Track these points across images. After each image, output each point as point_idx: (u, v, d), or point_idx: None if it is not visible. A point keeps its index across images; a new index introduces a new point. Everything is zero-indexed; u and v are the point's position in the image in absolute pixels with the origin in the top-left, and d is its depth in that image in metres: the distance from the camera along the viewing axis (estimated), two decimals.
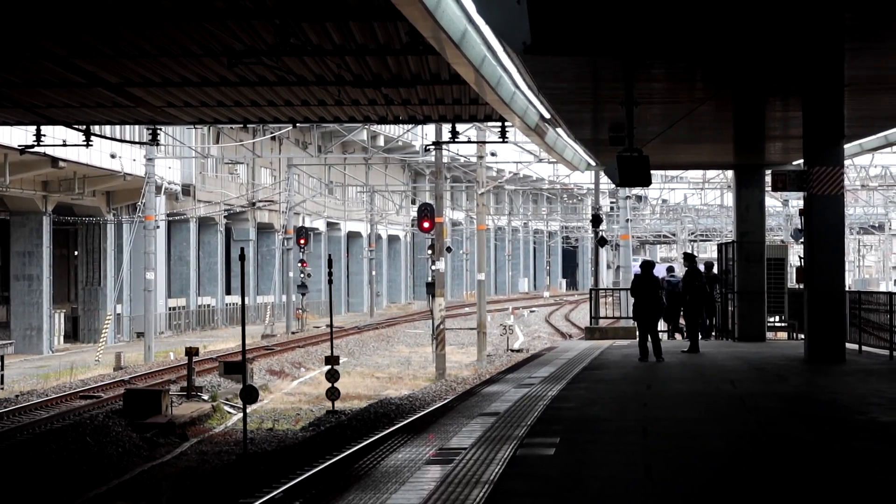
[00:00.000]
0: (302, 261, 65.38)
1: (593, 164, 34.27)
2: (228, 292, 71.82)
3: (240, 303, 28.76)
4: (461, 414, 15.83)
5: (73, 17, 19.09)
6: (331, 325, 32.00)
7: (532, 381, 20.11)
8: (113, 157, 50.29)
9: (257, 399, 25.38)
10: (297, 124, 32.48)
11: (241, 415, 26.74)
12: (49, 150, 40.17)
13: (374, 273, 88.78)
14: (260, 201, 73.69)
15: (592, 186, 61.24)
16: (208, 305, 68.04)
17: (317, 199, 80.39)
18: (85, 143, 31.93)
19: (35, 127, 31.84)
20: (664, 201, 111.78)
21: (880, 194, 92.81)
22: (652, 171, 21.11)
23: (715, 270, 32.44)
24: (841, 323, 21.93)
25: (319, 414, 29.94)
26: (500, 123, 31.21)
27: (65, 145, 35.86)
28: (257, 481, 19.13)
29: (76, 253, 60.07)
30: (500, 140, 32.65)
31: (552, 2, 15.69)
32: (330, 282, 30.82)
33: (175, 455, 24.13)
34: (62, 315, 55.93)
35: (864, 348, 24.99)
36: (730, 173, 55.21)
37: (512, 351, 48.18)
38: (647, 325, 24.18)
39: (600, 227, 53.21)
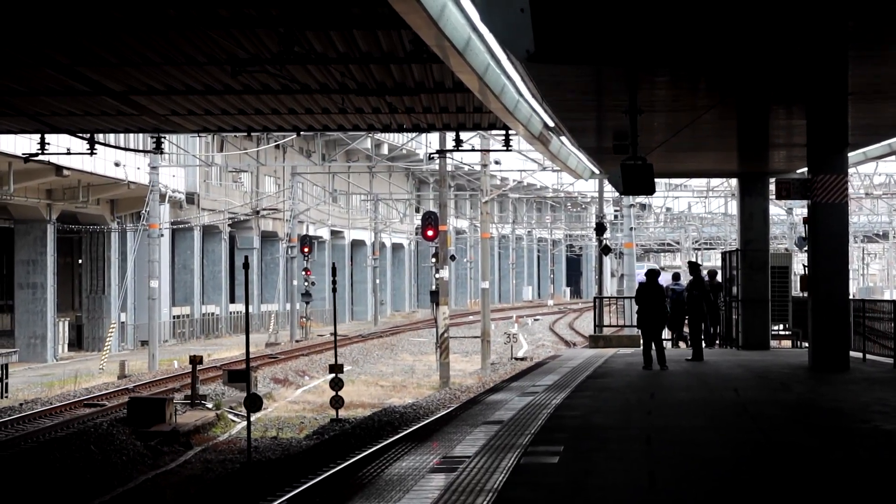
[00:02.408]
0: (306, 269, 65.40)
1: (597, 172, 34.26)
2: (232, 300, 71.84)
3: (244, 311, 28.77)
4: (465, 422, 15.82)
5: (77, 26, 19.11)
6: (335, 334, 31.97)
7: (536, 390, 20.10)
8: (117, 165, 50.32)
9: (261, 407, 25.37)
10: (301, 133, 32.49)
11: (245, 423, 26.73)
12: (53, 159, 40.22)
13: (377, 281, 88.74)
14: (264, 209, 73.70)
15: (596, 195, 61.30)
16: (212, 314, 68.05)
17: (321, 207, 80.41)
18: (89, 151, 31.93)
19: (39, 135, 31.86)
20: (668, 209, 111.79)
21: (884, 202, 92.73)
22: (656, 180, 21.10)
23: (719, 278, 32.40)
24: (845, 331, 21.87)
25: (323, 422, 29.93)
26: (504, 132, 31.21)
27: (69, 154, 35.89)
28: (261, 489, 19.13)
29: (80, 261, 60.09)
30: (504, 148, 32.63)
31: (556, 10, 15.70)
32: (334, 290, 30.82)
33: (179, 463, 24.14)
34: (66, 323, 55.90)
35: (868, 357, 24.96)
36: (734, 181, 55.10)
37: (516, 359, 48.13)
38: (651, 334, 24.15)
39: (604, 236, 53.20)
